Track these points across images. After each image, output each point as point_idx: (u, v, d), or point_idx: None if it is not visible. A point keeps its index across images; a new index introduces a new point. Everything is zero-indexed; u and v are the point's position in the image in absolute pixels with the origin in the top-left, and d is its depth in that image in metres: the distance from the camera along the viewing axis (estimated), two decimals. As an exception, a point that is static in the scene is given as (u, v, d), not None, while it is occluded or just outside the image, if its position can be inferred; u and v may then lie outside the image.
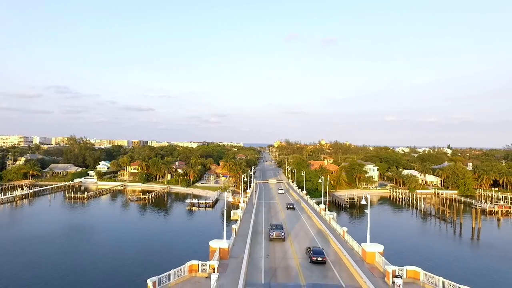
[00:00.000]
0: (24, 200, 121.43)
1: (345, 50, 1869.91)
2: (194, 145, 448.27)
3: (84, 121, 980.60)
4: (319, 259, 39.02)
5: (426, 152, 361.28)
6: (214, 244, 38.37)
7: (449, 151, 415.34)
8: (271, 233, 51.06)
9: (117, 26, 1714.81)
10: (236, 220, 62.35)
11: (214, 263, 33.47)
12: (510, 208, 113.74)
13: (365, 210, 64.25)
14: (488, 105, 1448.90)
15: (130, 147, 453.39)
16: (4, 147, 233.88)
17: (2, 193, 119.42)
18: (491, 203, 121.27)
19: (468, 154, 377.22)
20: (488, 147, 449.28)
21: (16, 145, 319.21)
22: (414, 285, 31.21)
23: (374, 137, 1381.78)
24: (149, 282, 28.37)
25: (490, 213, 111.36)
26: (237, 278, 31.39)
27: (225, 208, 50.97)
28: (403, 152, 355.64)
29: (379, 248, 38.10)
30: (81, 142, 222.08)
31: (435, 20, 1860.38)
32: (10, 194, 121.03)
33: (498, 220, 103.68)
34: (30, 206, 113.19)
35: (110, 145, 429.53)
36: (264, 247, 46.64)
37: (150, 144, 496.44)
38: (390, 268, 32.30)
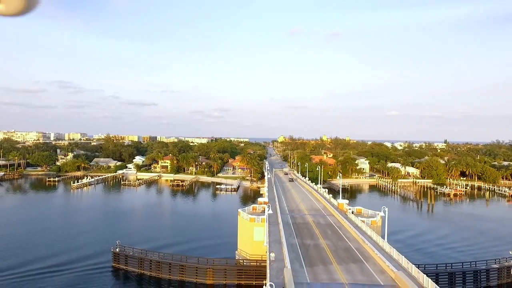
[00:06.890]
0: (89, 187, 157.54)
1: (348, 45, 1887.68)
2: (204, 141, 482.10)
3: (88, 116, 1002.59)
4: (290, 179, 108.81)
5: (422, 146, 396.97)
6: (260, 199, 73.87)
7: (443, 146, 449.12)
8: None
9: (120, 21, 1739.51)
10: (263, 194, 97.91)
11: (264, 205, 68.96)
12: (463, 192, 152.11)
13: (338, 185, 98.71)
14: (491, 99, 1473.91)
15: (142, 142, 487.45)
16: (53, 144, 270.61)
17: (76, 181, 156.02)
18: (450, 188, 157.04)
19: (459, 149, 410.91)
20: (486, 142, 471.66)
21: (71, 141, 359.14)
22: (359, 214, 66.54)
23: (375, 132, 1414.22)
24: (239, 210, 63.95)
25: (449, 195, 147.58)
26: (276, 211, 66.92)
27: (267, 176, 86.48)
28: (397, 147, 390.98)
29: (346, 201, 73.62)
30: (115, 139, 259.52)
31: (437, 14, 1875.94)
32: (81, 182, 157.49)
33: (451, 199, 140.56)
34: (97, 191, 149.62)
35: (124, 140, 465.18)
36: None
37: (159, 140, 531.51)
38: (347, 207, 68.07)
